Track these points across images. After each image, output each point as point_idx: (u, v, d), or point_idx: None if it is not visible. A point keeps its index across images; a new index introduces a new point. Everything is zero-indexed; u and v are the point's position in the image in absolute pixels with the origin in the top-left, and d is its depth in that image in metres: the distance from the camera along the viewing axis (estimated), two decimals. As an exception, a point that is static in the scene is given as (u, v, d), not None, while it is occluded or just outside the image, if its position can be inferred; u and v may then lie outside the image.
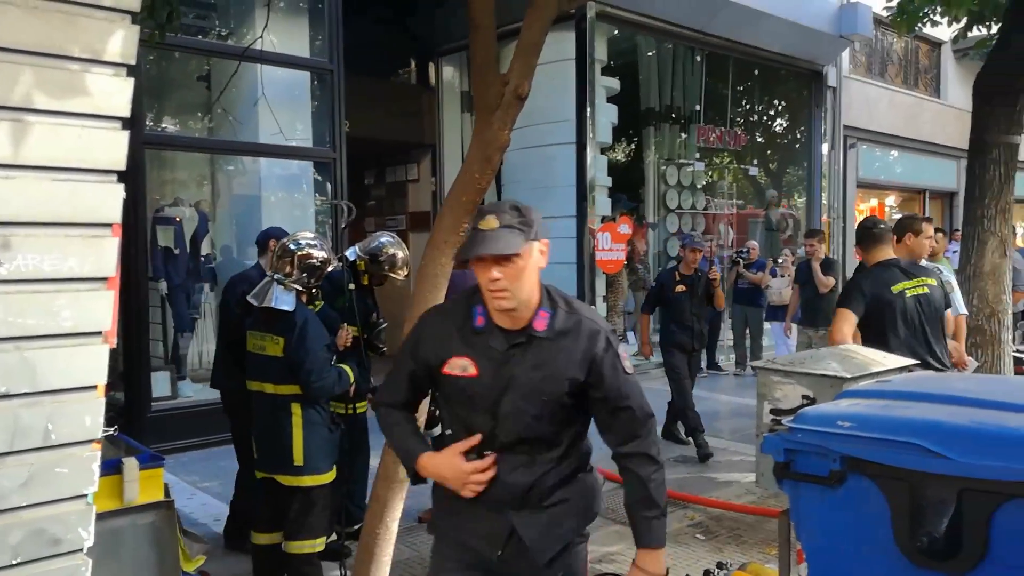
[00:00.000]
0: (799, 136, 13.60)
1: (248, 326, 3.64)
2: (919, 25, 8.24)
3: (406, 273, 4.64)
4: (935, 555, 2.17)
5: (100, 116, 1.49)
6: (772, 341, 10.29)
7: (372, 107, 10.15)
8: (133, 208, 6.37)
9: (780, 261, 10.03)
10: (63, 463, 1.44)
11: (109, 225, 1.53)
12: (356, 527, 4.29)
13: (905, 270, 4.20)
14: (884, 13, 8.87)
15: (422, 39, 11.25)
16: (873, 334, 4.05)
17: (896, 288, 4.08)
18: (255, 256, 7.67)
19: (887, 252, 4.27)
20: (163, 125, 7.96)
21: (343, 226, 4.51)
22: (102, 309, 1.47)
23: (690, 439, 6.50)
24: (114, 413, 6.45)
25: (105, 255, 1.49)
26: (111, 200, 1.53)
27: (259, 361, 3.56)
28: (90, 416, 1.48)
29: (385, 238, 4.60)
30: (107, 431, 1.70)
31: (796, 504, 2.50)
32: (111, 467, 3.05)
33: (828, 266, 7.73)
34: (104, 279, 1.49)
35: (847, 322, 4.06)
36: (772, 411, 3.19)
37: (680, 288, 6.60)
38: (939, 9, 7.76)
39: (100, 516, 3.03)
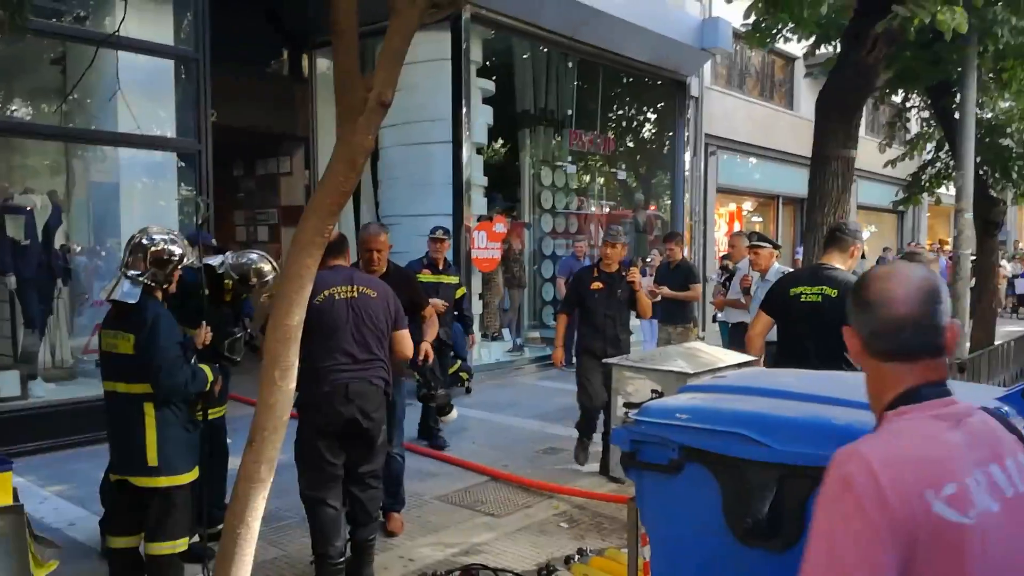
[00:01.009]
0: (665, 142, 14.25)
1: (102, 325, 3.54)
2: (771, 41, 8.85)
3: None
4: (759, 535, 2.40)
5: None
6: (639, 336, 10.76)
7: (242, 97, 9.91)
8: (-25, 198, 5.98)
9: (648, 260, 10.50)
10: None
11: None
12: (218, 528, 4.24)
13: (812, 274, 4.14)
14: (743, 28, 9.45)
15: (295, 30, 11.04)
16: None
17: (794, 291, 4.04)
18: (115, 248, 7.43)
19: (828, 257, 4.17)
20: (12, 110, 7.48)
21: (199, 222, 4.38)
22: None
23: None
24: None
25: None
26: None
27: (111, 359, 3.47)
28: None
29: (254, 255, 4.51)
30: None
31: (641, 491, 2.70)
32: (-49, 473, 2.92)
33: (687, 271, 8.17)
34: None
35: (759, 321, 4.20)
36: (624, 404, 3.42)
37: (596, 285, 5.99)
38: (790, 27, 8.38)
39: (-61, 525, 2.90)
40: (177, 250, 3.56)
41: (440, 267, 6.80)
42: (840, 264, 4.05)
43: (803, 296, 3.96)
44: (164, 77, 7.49)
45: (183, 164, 7.72)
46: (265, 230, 12.08)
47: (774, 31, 8.62)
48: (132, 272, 3.45)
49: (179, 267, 3.59)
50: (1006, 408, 1.79)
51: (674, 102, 13.26)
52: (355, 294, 3.78)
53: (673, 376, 3.25)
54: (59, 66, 7.72)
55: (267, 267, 4.42)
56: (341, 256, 3.91)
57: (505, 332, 11.15)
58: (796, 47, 11.05)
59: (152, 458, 3.39)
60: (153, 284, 3.48)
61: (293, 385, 2.76)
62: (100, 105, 7.35)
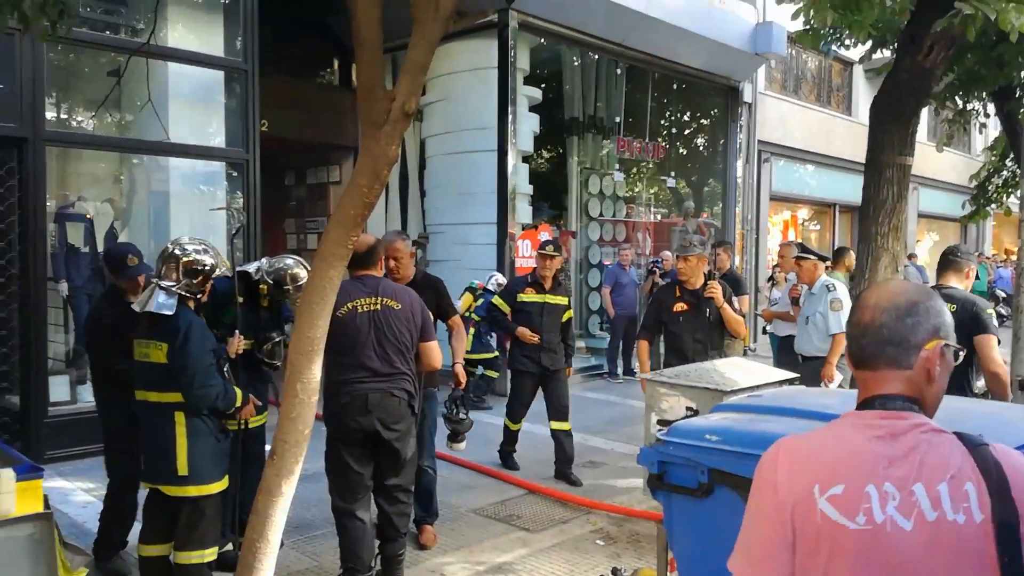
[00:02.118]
0: (716, 149, 14.00)
1: (135, 335, 3.56)
2: (826, 45, 8.59)
3: None
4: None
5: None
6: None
7: (293, 107, 10.04)
8: (32, 207, 6.15)
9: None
10: None
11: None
12: None
13: None
14: (798, 32, 9.22)
15: (343, 39, 11.16)
16: None
17: None
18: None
19: (944, 279, 4.47)
20: (68, 120, 7.70)
21: (233, 232, 4.38)
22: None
23: None
24: (9, 418, 6.24)
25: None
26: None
27: (143, 369, 3.50)
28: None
29: (289, 260, 4.50)
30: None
31: (668, 514, 2.60)
32: (-15, 479, 2.96)
33: (734, 282, 7.95)
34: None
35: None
36: (658, 421, 3.30)
37: (680, 307, 5.29)
38: (845, 31, 8.12)
39: (-26, 529, 2.95)
40: (209, 260, 3.59)
41: (548, 286, 6.11)
42: (957, 284, 4.38)
43: None
44: (214, 88, 7.62)
45: (234, 173, 7.84)
46: (315, 238, 12.21)
47: (829, 35, 8.39)
48: (165, 283, 3.48)
49: (211, 277, 3.61)
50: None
51: (726, 108, 13.03)
52: (378, 306, 3.72)
53: (708, 393, 3.13)
54: (114, 78, 7.90)
55: (302, 272, 4.41)
56: (370, 266, 3.84)
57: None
58: (854, 51, 10.75)
59: (182, 467, 3.41)
60: (187, 294, 3.51)
61: (315, 398, 2.73)
62: (152, 116, 7.50)
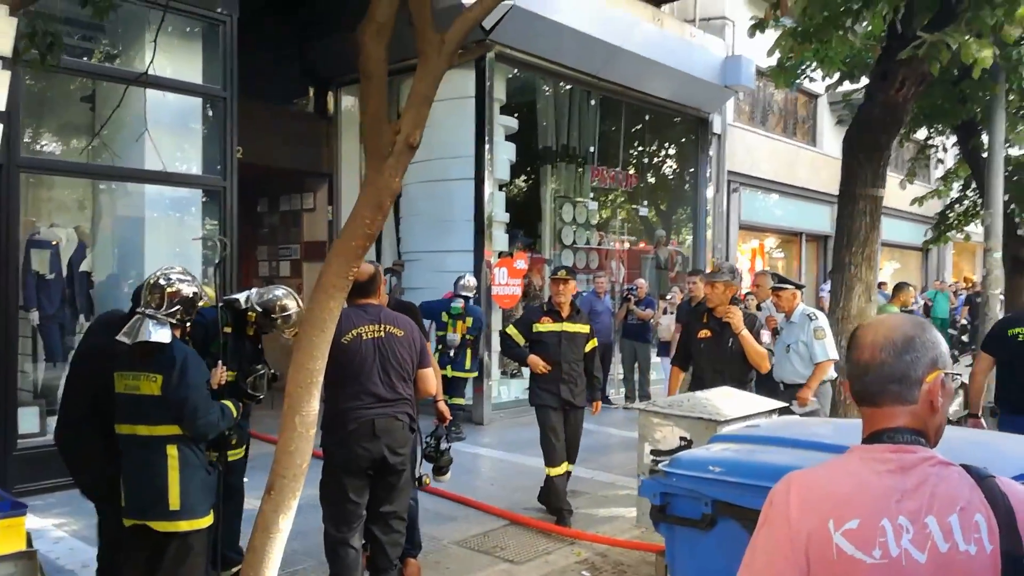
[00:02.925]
0: (687, 179, 14.21)
1: (117, 367, 3.46)
2: (798, 80, 8.82)
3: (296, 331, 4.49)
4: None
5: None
6: (660, 375, 10.64)
7: (268, 134, 9.99)
8: (5, 235, 6.02)
9: (669, 297, 10.41)
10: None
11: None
12: (232, 570, 4.15)
13: None
14: (765, 66, 9.44)
15: (320, 68, 11.18)
16: None
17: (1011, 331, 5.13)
18: (135, 285, 7.42)
19: None
20: (42, 146, 7.58)
21: (216, 261, 4.31)
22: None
23: None
24: (-26, 452, 6.05)
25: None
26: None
27: (131, 401, 3.40)
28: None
29: (280, 291, 4.46)
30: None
31: (671, 546, 2.60)
32: (-34, 517, 2.87)
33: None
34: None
35: (982, 360, 5.22)
36: (652, 452, 3.32)
37: (704, 334, 5.20)
38: (813, 66, 8.36)
39: (-47, 570, 2.85)
40: (195, 289, 3.54)
41: (565, 313, 5.69)
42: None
43: (1020, 336, 4.91)
44: (192, 115, 7.58)
45: (207, 199, 7.76)
46: (287, 265, 12.11)
47: (799, 70, 8.62)
48: (154, 312, 3.41)
49: (197, 306, 3.56)
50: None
51: (696, 138, 13.25)
52: (382, 333, 3.79)
53: (702, 423, 3.15)
54: (88, 103, 7.82)
55: (292, 304, 4.37)
56: (371, 295, 3.89)
57: (524, 370, 11.03)
58: (818, 84, 11.03)
59: (174, 501, 3.32)
60: (176, 323, 3.46)
61: (313, 431, 2.70)
62: (128, 142, 7.42)
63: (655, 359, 10.51)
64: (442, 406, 4.72)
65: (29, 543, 3.02)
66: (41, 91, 7.50)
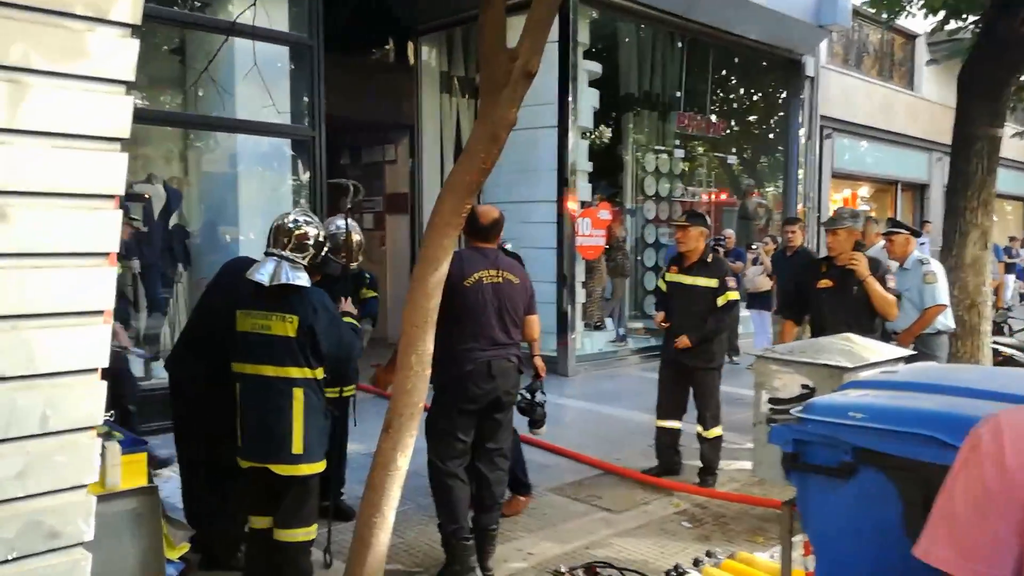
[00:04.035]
0: (777, 125, 13.66)
1: (240, 305, 3.45)
2: (899, 10, 8.26)
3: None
4: (945, 548, 2.14)
5: (103, 79, 1.37)
6: (748, 328, 10.36)
7: (349, 86, 9.96)
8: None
9: (755, 248, 10.07)
10: (62, 451, 1.33)
11: (112, 197, 1.42)
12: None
13: None
14: (861, 3, 8.89)
15: (401, 18, 11.05)
16: None
17: None
18: (233, 235, 7.57)
19: None
20: (136, 98, 7.71)
21: (349, 206, 4.28)
22: (104, 286, 1.37)
23: None
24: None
25: (107, 228, 1.38)
26: (114, 170, 1.42)
27: (258, 341, 3.36)
28: (90, 401, 1.37)
29: (340, 222, 4.39)
30: (106, 416, 1.60)
31: (804, 496, 2.47)
32: (91, 452, 2.95)
33: (807, 260, 7.70)
34: (106, 254, 1.38)
35: None
36: (770, 400, 3.17)
37: (824, 283, 4.90)
38: (918, 3, 7.81)
39: (79, 502, 2.94)
40: (323, 232, 3.56)
41: (688, 263, 5.28)
42: None
43: None
44: (279, 64, 7.58)
45: (294, 153, 7.81)
46: (371, 217, 12.18)
47: (900, 5, 8.09)
48: (291, 255, 3.38)
49: (325, 248, 3.57)
50: None
51: (788, 82, 12.69)
52: (500, 279, 3.80)
53: (827, 371, 2.98)
54: (178, 56, 7.92)
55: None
56: (490, 240, 3.89)
57: (608, 322, 10.92)
58: (918, 23, 10.35)
59: (298, 445, 3.31)
60: (310, 266, 3.45)
61: (428, 371, 2.65)
62: (216, 93, 7.50)
63: (743, 312, 10.22)
64: (539, 360, 4.67)
65: (150, 480, 3.08)
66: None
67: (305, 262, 3.41)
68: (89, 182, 1.37)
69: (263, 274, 3.32)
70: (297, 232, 3.42)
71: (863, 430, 2.28)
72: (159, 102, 8.06)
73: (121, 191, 1.43)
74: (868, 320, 4.71)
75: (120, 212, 1.42)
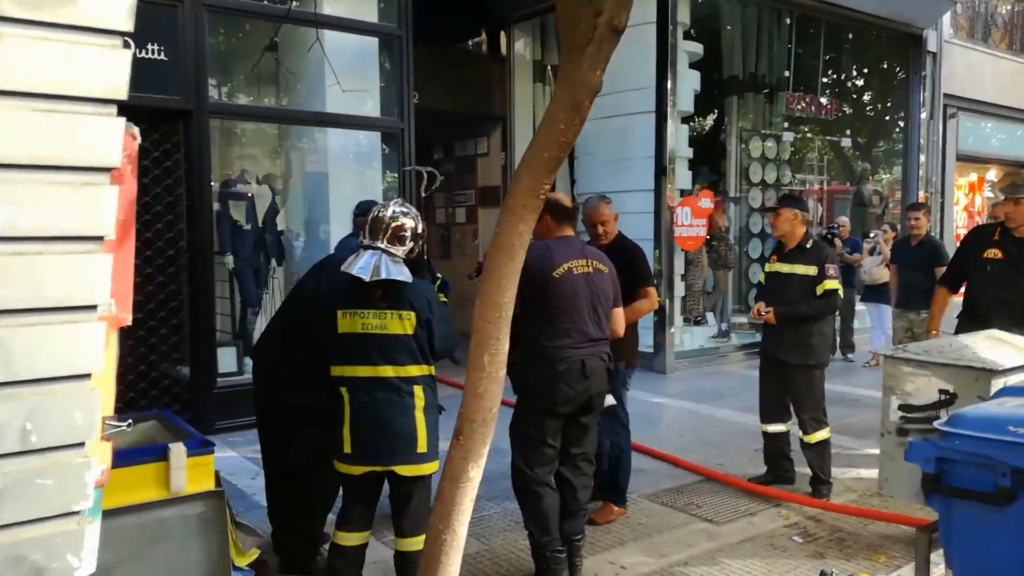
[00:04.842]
0: (892, 106, 12.74)
1: (342, 305, 3.23)
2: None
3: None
4: None
5: (94, 30, 1.17)
6: (862, 324, 9.65)
7: (440, 77, 9.83)
8: (198, 180, 6.20)
9: (874, 236, 9.36)
10: (47, 472, 1.13)
11: (107, 170, 1.21)
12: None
13: None
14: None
15: (492, 6, 10.83)
16: None
17: None
18: (325, 231, 7.54)
19: None
20: (228, 93, 7.79)
21: (424, 194, 4.11)
22: (98, 276, 1.16)
23: None
24: (179, 389, 6.38)
25: (101, 208, 1.17)
26: (109, 138, 1.20)
27: (374, 342, 3.17)
28: (82, 412, 1.16)
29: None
30: (117, 425, 1.40)
31: (948, 522, 2.06)
32: (157, 453, 2.82)
33: (934, 250, 7.00)
34: (99, 238, 1.17)
35: None
36: (901, 407, 2.74)
37: (992, 253, 4.45)
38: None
39: (148, 505, 2.83)
40: (422, 224, 3.35)
41: (788, 249, 4.84)
42: None
43: None
44: (368, 56, 7.49)
45: (387, 148, 7.71)
46: (463, 211, 12.06)
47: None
48: (390, 247, 3.19)
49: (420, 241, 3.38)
50: None
51: (907, 59, 11.77)
52: (590, 269, 3.56)
53: (971, 373, 2.54)
54: (272, 52, 7.95)
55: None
56: (570, 225, 3.64)
57: (709, 316, 10.41)
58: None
59: (422, 444, 3.17)
60: (407, 260, 3.26)
61: (503, 371, 2.38)
62: (309, 87, 7.48)
63: (859, 306, 9.53)
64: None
65: (218, 482, 2.94)
66: (225, 41, 7.69)
67: (402, 255, 3.21)
68: (78, 153, 1.16)
69: (363, 269, 3.10)
70: (394, 224, 3.21)
71: (1027, 449, 1.87)
72: (255, 96, 8.13)
73: (117, 163, 1.21)
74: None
75: (116, 189, 1.20)
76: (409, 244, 3.24)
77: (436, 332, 3.22)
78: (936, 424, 2.06)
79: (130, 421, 1.47)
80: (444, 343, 3.28)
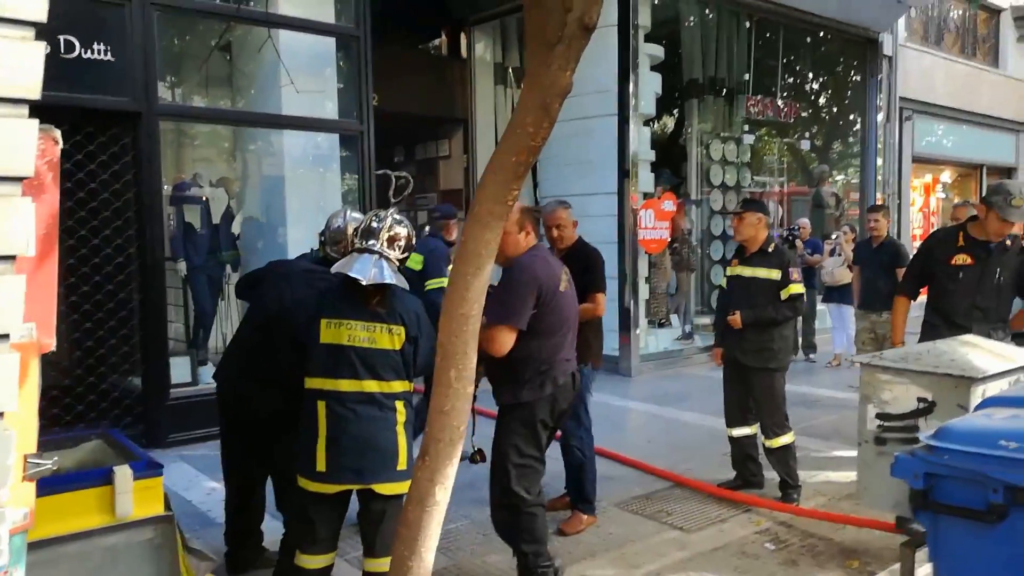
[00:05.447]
0: (849, 108, 12.89)
1: (329, 313, 3.04)
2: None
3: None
4: None
5: (1, 19, 1.01)
6: (823, 323, 9.71)
7: (400, 79, 9.67)
8: (148, 184, 5.95)
9: (835, 238, 9.42)
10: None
11: (19, 180, 1.06)
12: None
13: None
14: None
15: (452, 7, 10.70)
16: None
17: None
18: (283, 235, 7.32)
19: None
20: (180, 95, 7.54)
21: (394, 200, 3.96)
22: (8, 301, 1.01)
23: None
24: (131, 401, 6.12)
25: (13, 223, 1.02)
26: (20, 143, 1.05)
27: (360, 355, 2.99)
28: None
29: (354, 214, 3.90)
30: (41, 464, 1.25)
31: (936, 540, 1.99)
32: (101, 477, 2.64)
33: (894, 252, 7.05)
34: (11, 257, 1.02)
35: None
36: (879, 415, 2.68)
37: (961, 259, 4.28)
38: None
39: (91, 533, 2.64)
40: (413, 233, 3.19)
41: (749, 253, 4.81)
42: None
43: None
44: (325, 56, 7.30)
45: (347, 153, 7.53)
46: (424, 215, 11.92)
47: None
48: (388, 252, 3.02)
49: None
50: None
51: (864, 62, 11.91)
52: (570, 282, 3.52)
53: (951, 381, 2.48)
54: (224, 52, 7.73)
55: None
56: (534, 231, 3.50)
57: (673, 318, 10.39)
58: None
59: (403, 461, 3.02)
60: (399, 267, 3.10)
61: (471, 388, 2.25)
62: (263, 89, 7.27)
63: (820, 306, 9.59)
64: None
65: (167, 506, 2.77)
66: (175, 41, 7.44)
67: (398, 263, 3.06)
68: (-16, 159, 1.01)
69: (360, 271, 2.92)
70: (390, 233, 3.04)
71: (1018, 464, 1.80)
72: (207, 97, 7.89)
73: (30, 171, 1.06)
74: (1005, 310, 4.20)
75: (30, 202, 1.05)
76: (404, 254, 3.09)
77: (420, 350, 3.09)
78: (923, 438, 1.98)
79: (56, 459, 1.31)
80: (425, 361, 3.11)
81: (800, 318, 9.29)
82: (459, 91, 10.90)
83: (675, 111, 11.83)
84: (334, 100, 7.38)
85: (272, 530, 3.87)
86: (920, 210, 14.09)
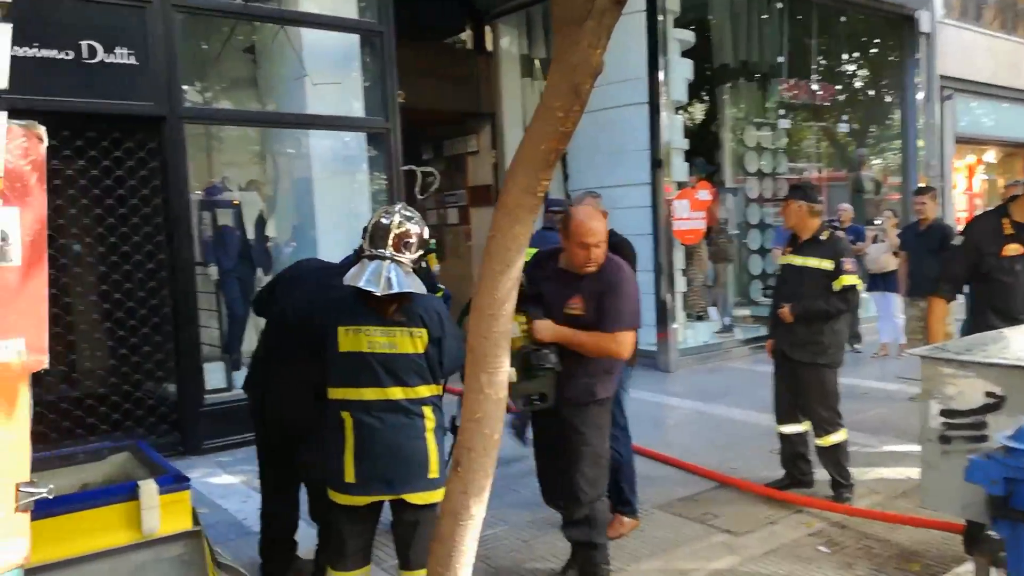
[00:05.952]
0: (885, 90, 12.52)
1: (346, 320, 2.92)
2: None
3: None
4: None
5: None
6: (869, 312, 9.42)
7: (425, 75, 9.56)
8: (176, 189, 5.91)
9: (879, 223, 9.13)
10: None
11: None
12: None
13: None
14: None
15: (476, 1, 10.57)
16: None
17: None
18: (313, 236, 7.25)
19: None
20: (204, 99, 7.51)
21: (421, 196, 3.82)
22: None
23: None
24: (165, 408, 6.10)
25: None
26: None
27: (383, 362, 2.87)
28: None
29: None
30: (36, 492, 1.14)
31: (1018, 551, 1.81)
32: (126, 493, 2.56)
33: (942, 234, 6.74)
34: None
35: None
36: (943, 412, 2.49)
37: (1013, 249, 4.04)
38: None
39: (117, 551, 2.56)
40: (427, 230, 3.04)
41: (801, 241, 4.58)
42: None
43: None
44: (349, 54, 7.22)
45: (374, 151, 7.44)
46: (455, 212, 11.80)
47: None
48: (397, 255, 2.88)
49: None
50: None
51: (901, 40, 11.54)
52: None
53: (1022, 373, 2.28)
54: (249, 54, 7.69)
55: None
56: None
57: (711, 311, 10.17)
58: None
59: (434, 468, 2.90)
60: (415, 270, 2.97)
61: (504, 393, 2.12)
62: (288, 89, 7.20)
63: (864, 294, 9.30)
64: None
65: (196, 520, 2.68)
66: (199, 44, 7.40)
67: (410, 264, 2.92)
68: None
69: (371, 281, 2.80)
70: (400, 231, 2.89)
71: (1114, 466, 1.61)
72: (232, 99, 7.85)
73: None
74: None
75: (13, 210, 0.94)
76: (416, 252, 2.94)
77: (446, 351, 2.96)
78: (1000, 438, 1.81)
79: (51, 487, 1.21)
80: (453, 363, 2.99)
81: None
82: (485, 85, 10.77)
83: (707, 97, 11.56)
84: (360, 98, 7.29)
85: (307, 538, 3.79)
86: (964, 192, 13.65)
